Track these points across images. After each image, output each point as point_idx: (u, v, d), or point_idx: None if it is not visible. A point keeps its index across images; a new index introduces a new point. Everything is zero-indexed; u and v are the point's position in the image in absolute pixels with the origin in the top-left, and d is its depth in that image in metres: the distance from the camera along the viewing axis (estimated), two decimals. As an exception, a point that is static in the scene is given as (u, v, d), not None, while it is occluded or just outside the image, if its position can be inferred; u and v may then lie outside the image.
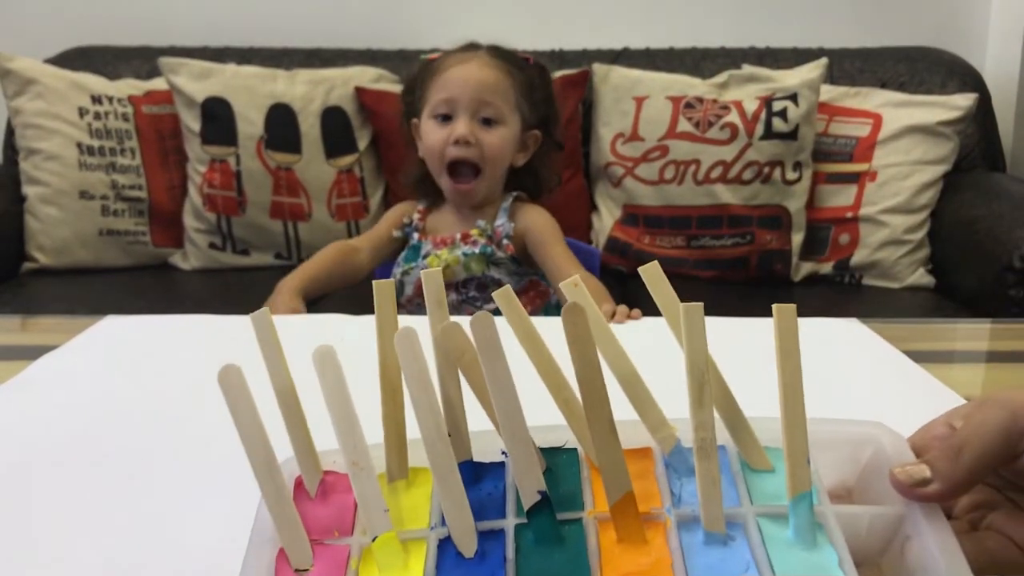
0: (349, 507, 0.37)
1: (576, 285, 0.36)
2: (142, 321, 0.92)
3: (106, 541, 0.50)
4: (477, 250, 1.17)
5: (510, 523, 0.35)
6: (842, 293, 1.72)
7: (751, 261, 1.74)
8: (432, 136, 1.18)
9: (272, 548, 0.36)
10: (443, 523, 0.35)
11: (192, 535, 0.51)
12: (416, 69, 1.26)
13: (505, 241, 1.18)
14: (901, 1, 2.07)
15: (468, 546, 0.34)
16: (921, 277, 1.70)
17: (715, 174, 1.72)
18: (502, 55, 1.20)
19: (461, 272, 1.18)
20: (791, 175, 1.72)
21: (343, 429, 0.35)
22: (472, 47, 1.21)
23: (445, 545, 0.35)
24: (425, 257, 1.18)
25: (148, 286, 1.75)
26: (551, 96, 1.25)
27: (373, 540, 0.35)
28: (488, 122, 1.17)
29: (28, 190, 1.78)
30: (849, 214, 1.74)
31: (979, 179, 1.76)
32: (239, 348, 0.90)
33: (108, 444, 0.63)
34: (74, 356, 0.82)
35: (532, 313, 1.13)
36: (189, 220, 1.83)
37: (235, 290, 1.72)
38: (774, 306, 0.35)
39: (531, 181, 1.26)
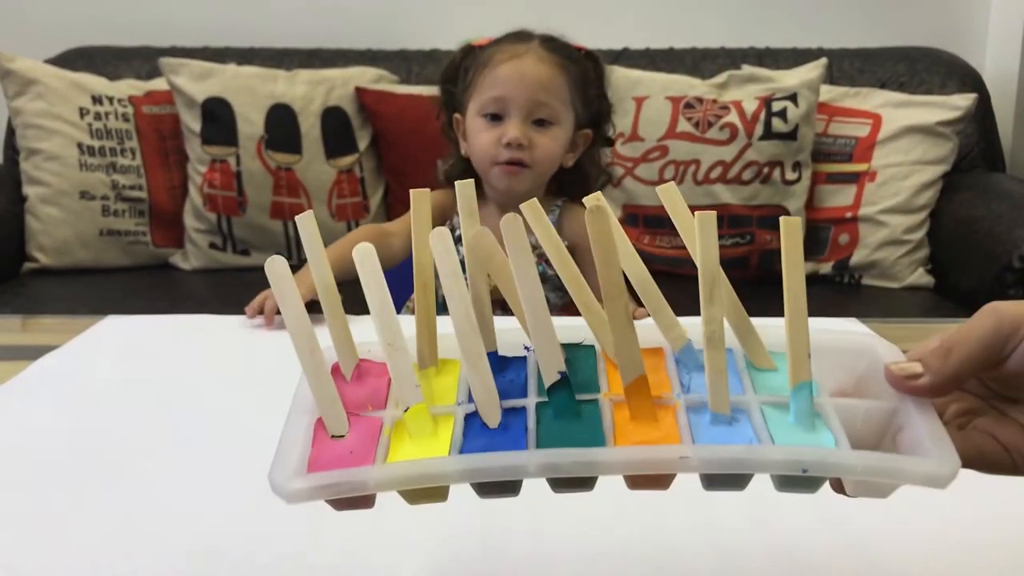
0: (382, 388, 0.40)
1: (598, 201, 0.38)
2: (142, 321, 0.92)
3: (106, 540, 0.50)
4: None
5: (531, 401, 0.38)
6: (842, 293, 1.72)
7: (751, 261, 1.74)
8: (481, 137, 1.10)
9: (310, 417, 0.38)
10: (470, 400, 0.38)
11: (192, 534, 0.51)
12: (458, 56, 1.16)
13: None
14: (901, 1, 2.07)
15: (492, 417, 0.37)
16: (920, 277, 1.70)
17: (715, 174, 1.72)
18: (556, 47, 1.11)
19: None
20: (791, 175, 1.72)
21: (380, 314, 0.38)
22: (524, 36, 1.12)
23: (471, 418, 0.38)
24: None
25: (148, 286, 1.75)
26: (604, 90, 1.17)
27: (405, 411, 0.37)
28: (541, 123, 1.09)
29: (29, 190, 1.78)
30: (849, 214, 1.74)
31: (979, 179, 1.76)
32: (240, 348, 0.90)
33: (108, 443, 0.63)
34: (74, 356, 0.82)
35: None
36: (189, 220, 1.83)
37: (235, 290, 1.70)
38: (781, 219, 0.37)
39: (579, 181, 1.18)
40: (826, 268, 1.76)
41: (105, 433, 0.65)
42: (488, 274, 0.39)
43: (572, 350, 0.40)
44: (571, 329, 0.41)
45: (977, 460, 0.36)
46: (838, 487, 0.38)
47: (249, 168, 1.78)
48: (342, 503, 0.36)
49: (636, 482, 0.37)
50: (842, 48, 1.90)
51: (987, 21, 2.06)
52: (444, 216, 1.18)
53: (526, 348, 0.41)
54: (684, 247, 0.39)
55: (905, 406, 0.37)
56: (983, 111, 1.80)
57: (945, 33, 2.02)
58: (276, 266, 0.38)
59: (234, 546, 0.50)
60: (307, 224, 0.41)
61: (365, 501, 0.36)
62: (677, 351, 0.40)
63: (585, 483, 0.36)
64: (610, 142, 1.23)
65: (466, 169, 1.16)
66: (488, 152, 1.09)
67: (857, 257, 1.73)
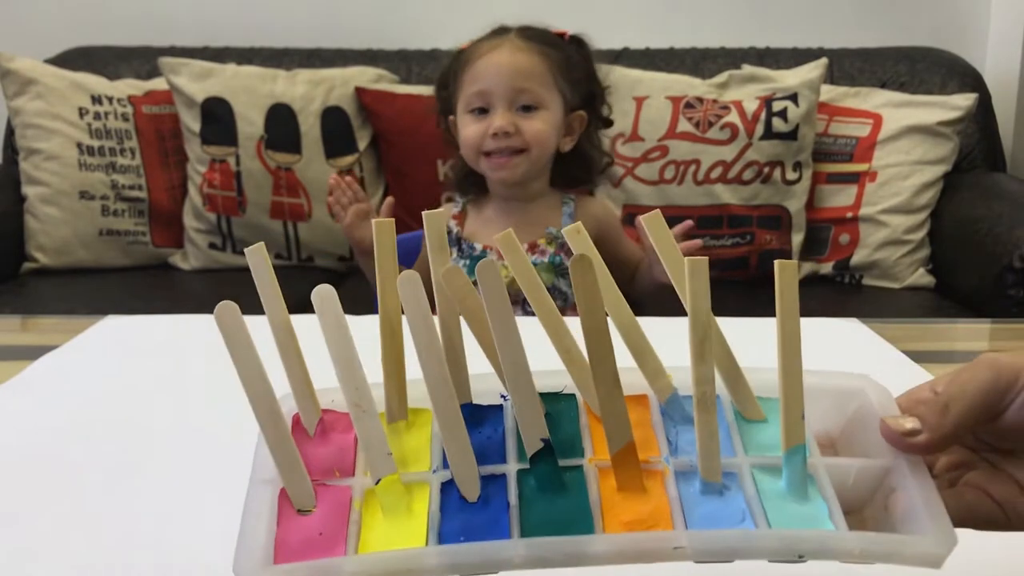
0: (349, 447, 0.37)
1: (578, 232, 0.36)
2: (142, 321, 0.92)
3: (105, 539, 0.50)
4: (546, 259, 1.11)
5: (512, 468, 0.36)
6: (842, 293, 1.72)
7: (751, 261, 1.74)
8: (468, 130, 1.10)
9: (273, 488, 0.36)
10: (444, 465, 0.36)
11: (192, 534, 0.51)
12: (448, 62, 1.18)
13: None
14: (901, 1, 2.07)
15: (472, 491, 0.35)
16: (921, 277, 1.70)
17: (715, 174, 1.72)
18: (534, 35, 1.12)
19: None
20: (791, 175, 1.72)
21: (345, 370, 0.34)
22: (501, 31, 1.13)
23: (448, 488, 0.35)
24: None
25: (148, 286, 1.75)
26: (593, 71, 1.16)
27: (377, 482, 0.35)
28: (528, 109, 1.09)
29: (28, 190, 1.78)
30: (849, 214, 1.74)
31: (979, 179, 1.76)
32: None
33: (108, 443, 0.63)
34: (74, 356, 0.82)
35: None
36: (189, 220, 1.83)
37: (235, 290, 1.70)
38: (776, 262, 0.35)
39: (581, 165, 1.17)
40: (826, 268, 1.76)
41: (104, 433, 0.65)
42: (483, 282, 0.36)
43: (552, 402, 0.38)
44: (549, 375, 0.38)
45: (969, 519, 0.36)
46: None
47: (249, 168, 1.78)
48: None
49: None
50: (842, 48, 1.89)
51: (987, 21, 2.06)
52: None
53: (503, 397, 0.38)
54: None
55: (898, 464, 0.36)
56: (983, 111, 1.80)
57: (945, 33, 2.02)
58: (226, 315, 0.35)
59: (234, 545, 0.50)
60: (257, 257, 0.36)
61: None
62: (663, 402, 0.38)
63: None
64: (608, 123, 1.22)
65: (467, 170, 1.16)
66: (474, 143, 1.10)
67: (858, 257, 1.73)
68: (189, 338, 0.88)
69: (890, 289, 1.71)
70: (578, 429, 0.38)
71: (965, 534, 0.34)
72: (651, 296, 1.13)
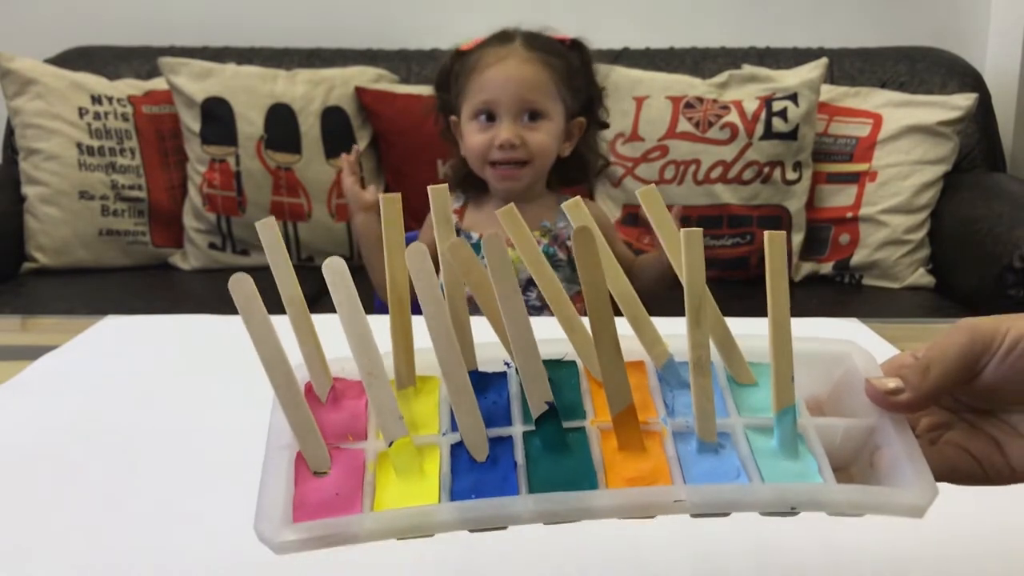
0: (361, 412, 0.38)
1: (577, 206, 0.38)
2: (142, 321, 0.92)
3: (105, 540, 0.50)
4: (540, 249, 1.15)
5: (517, 430, 0.38)
6: (842, 293, 1.72)
7: (751, 261, 1.74)
8: (474, 138, 1.14)
9: (290, 452, 0.37)
10: (453, 428, 0.37)
11: (192, 534, 0.51)
12: (448, 61, 1.20)
13: (569, 243, 1.15)
14: (901, 1, 2.07)
15: (480, 451, 0.37)
16: (921, 277, 1.70)
17: (715, 174, 1.72)
18: (538, 45, 1.15)
19: (524, 271, 1.14)
20: (791, 175, 1.72)
21: (357, 340, 0.36)
22: (506, 37, 1.15)
23: (457, 450, 0.37)
24: (484, 257, 1.15)
25: (148, 286, 1.75)
26: (592, 77, 1.20)
27: (390, 444, 0.36)
28: (532, 117, 1.13)
29: (28, 190, 1.78)
30: (849, 214, 1.74)
31: (979, 179, 1.76)
32: (240, 348, 0.90)
33: (108, 443, 0.63)
34: (74, 356, 0.82)
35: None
36: (189, 220, 1.83)
37: (235, 290, 1.71)
38: (766, 233, 0.37)
39: (578, 167, 1.22)
40: (826, 268, 1.76)
41: (104, 433, 0.65)
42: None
43: (554, 368, 0.40)
44: (551, 343, 0.40)
45: (950, 474, 0.38)
46: None
47: (249, 168, 1.78)
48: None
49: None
50: (842, 48, 1.89)
51: (987, 21, 2.06)
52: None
53: (506, 364, 0.40)
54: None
55: (883, 423, 0.38)
56: (983, 111, 1.80)
57: (945, 33, 2.02)
58: (241, 286, 0.36)
59: (233, 546, 0.50)
60: (269, 232, 0.38)
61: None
62: (660, 367, 0.40)
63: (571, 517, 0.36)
64: (604, 125, 1.27)
65: (467, 170, 1.19)
66: (481, 153, 1.13)
67: (858, 257, 1.73)
68: (189, 338, 0.88)
69: (890, 289, 1.71)
70: (579, 394, 0.39)
71: (943, 487, 0.36)
72: (650, 291, 1.14)
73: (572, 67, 1.16)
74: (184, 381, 0.76)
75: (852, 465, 0.39)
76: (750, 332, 0.41)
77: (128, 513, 0.53)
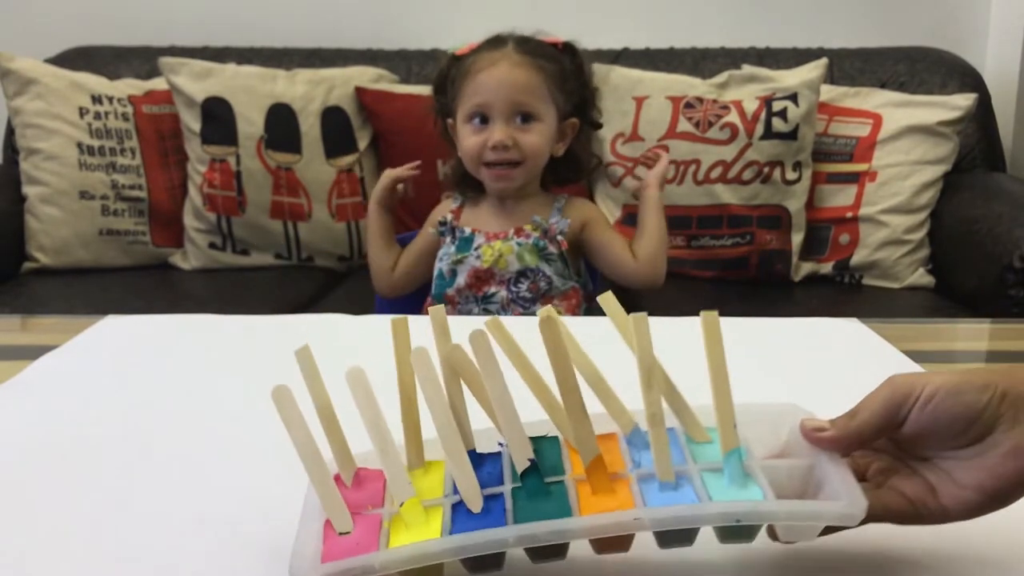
0: (379, 491, 0.46)
1: (548, 316, 0.44)
2: (142, 320, 0.92)
3: (105, 539, 0.50)
4: (530, 241, 1.17)
5: (507, 487, 0.45)
6: (842, 293, 1.72)
7: (751, 261, 1.74)
8: (469, 140, 1.17)
9: (320, 521, 0.45)
10: (455, 492, 0.45)
11: (191, 533, 0.51)
12: (444, 66, 1.24)
13: (559, 237, 1.17)
14: (901, 1, 2.07)
15: (475, 503, 0.44)
16: (921, 277, 1.70)
17: (715, 174, 1.72)
18: (530, 49, 1.17)
19: (514, 262, 1.17)
20: (791, 175, 1.72)
21: (374, 427, 0.45)
22: (499, 42, 1.18)
23: (458, 507, 0.44)
24: (477, 248, 1.18)
25: (148, 286, 1.75)
26: (584, 79, 1.23)
27: (401, 505, 0.44)
28: (525, 119, 1.15)
29: (28, 190, 1.78)
30: (849, 214, 1.74)
31: (979, 179, 1.76)
32: (240, 348, 0.90)
33: (108, 443, 0.63)
34: (74, 356, 0.82)
35: (573, 315, 1.16)
36: (189, 220, 1.83)
37: (235, 290, 1.72)
38: (702, 313, 0.44)
39: (570, 167, 1.25)
40: (826, 268, 1.76)
41: (105, 433, 0.65)
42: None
43: (538, 441, 0.46)
44: (537, 425, 0.47)
45: (884, 515, 0.43)
46: (773, 535, 0.45)
47: (249, 168, 1.78)
48: None
49: (601, 546, 0.44)
50: (842, 48, 1.89)
51: (987, 21, 2.06)
52: (433, 217, 1.27)
53: (500, 444, 0.47)
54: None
55: (820, 461, 0.44)
56: (983, 111, 1.80)
57: (945, 33, 2.02)
58: (284, 396, 0.45)
59: (233, 545, 0.50)
60: (305, 358, 0.46)
61: None
62: (627, 434, 0.47)
63: (559, 551, 0.43)
64: (598, 126, 1.30)
65: (465, 171, 1.22)
66: (475, 154, 1.17)
67: (857, 257, 1.73)
68: (189, 337, 0.88)
69: (890, 289, 1.71)
70: (560, 458, 0.46)
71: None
72: (658, 250, 1.19)
73: (564, 70, 1.19)
74: (184, 381, 0.76)
75: (804, 499, 0.45)
76: (699, 405, 0.47)
77: (128, 512, 0.53)
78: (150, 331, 0.90)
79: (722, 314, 0.70)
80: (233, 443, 0.63)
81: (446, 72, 1.22)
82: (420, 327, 0.49)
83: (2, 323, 1.04)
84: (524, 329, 0.50)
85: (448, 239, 1.22)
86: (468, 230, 1.21)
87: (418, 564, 0.41)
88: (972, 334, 1.01)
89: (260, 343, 0.86)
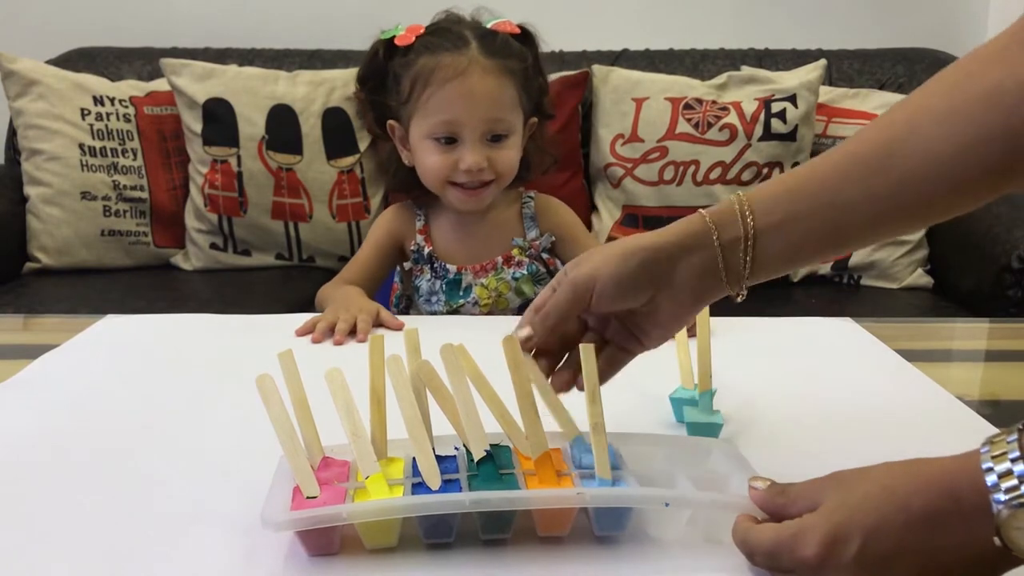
0: (344, 475, 0.52)
1: (509, 337, 0.53)
2: (142, 320, 0.93)
3: (105, 538, 0.51)
4: (524, 271, 1.09)
5: (463, 475, 0.51)
6: (841, 293, 1.72)
7: (750, 262, 1.74)
8: (431, 159, 1.03)
9: (290, 485, 0.50)
10: (415, 473, 0.51)
11: (191, 532, 0.51)
12: (380, 56, 1.08)
13: (545, 256, 1.10)
14: (899, 3, 2.07)
15: (434, 481, 0.50)
16: (919, 277, 1.70)
17: (714, 175, 1.73)
18: (497, 49, 1.03)
19: (514, 299, 1.09)
20: (790, 176, 1.72)
21: (347, 415, 0.52)
22: (459, 40, 1.03)
23: (418, 487, 0.50)
24: (469, 290, 1.08)
25: (149, 286, 1.75)
26: (541, 68, 1.10)
27: (367, 479, 0.50)
28: (496, 138, 1.03)
29: (30, 191, 1.78)
30: (848, 215, 1.74)
31: (978, 180, 1.76)
32: (240, 348, 0.90)
33: (108, 442, 0.63)
34: (74, 355, 0.82)
35: None
36: (190, 221, 1.84)
37: (236, 290, 1.72)
38: (580, 345, 0.54)
39: (524, 166, 1.10)
40: (825, 268, 1.76)
41: (105, 432, 0.65)
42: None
43: (494, 448, 0.53)
44: (492, 437, 0.53)
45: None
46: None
47: (250, 169, 1.79)
48: (313, 544, 0.48)
49: (544, 526, 0.50)
50: (841, 49, 1.90)
51: (986, 21, 2.06)
52: (396, 238, 1.13)
53: (455, 448, 0.54)
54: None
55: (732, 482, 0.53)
56: (982, 112, 1.80)
57: (944, 34, 2.02)
58: (266, 383, 0.51)
59: (233, 543, 0.50)
60: (287, 361, 0.53)
61: (331, 544, 0.48)
62: (571, 440, 0.55)
63: (503, 528, 0.50)
64: (551, 116, 1.16)
65: (413, 180, 1.09)
66: (441, 175, 1.04)
67: (856, 257, 1.73)
68: (189, 337, 0.88)
69: (888, 289, 1.71)
70: (512, 459, 0.53)
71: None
72: None
73: (528, 68, 1.06)
74: (184, 380, 0.76)
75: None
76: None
77: (128, 511, 0.54)
78: (150, 331, 0.90)
79: (720, 313, 0.71)
80: (233, 442, 0.63)
81: (383, 64, 1.08)
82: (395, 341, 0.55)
83: (4, 323, 1.04)
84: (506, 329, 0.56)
85: (427, 269, 1.10)
86: (452, 269, 1.09)
87: (383, 516, 0.48)
88: (970, 333, 1.01)
89: (260, 343, 0.86)
